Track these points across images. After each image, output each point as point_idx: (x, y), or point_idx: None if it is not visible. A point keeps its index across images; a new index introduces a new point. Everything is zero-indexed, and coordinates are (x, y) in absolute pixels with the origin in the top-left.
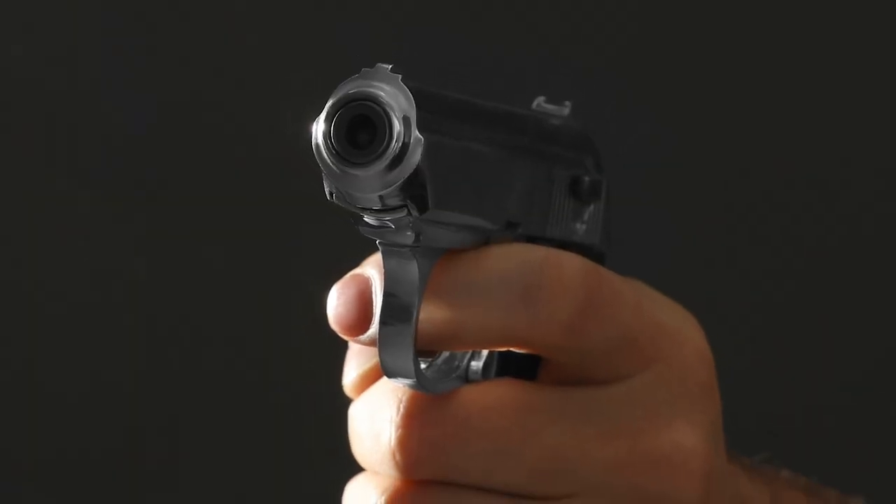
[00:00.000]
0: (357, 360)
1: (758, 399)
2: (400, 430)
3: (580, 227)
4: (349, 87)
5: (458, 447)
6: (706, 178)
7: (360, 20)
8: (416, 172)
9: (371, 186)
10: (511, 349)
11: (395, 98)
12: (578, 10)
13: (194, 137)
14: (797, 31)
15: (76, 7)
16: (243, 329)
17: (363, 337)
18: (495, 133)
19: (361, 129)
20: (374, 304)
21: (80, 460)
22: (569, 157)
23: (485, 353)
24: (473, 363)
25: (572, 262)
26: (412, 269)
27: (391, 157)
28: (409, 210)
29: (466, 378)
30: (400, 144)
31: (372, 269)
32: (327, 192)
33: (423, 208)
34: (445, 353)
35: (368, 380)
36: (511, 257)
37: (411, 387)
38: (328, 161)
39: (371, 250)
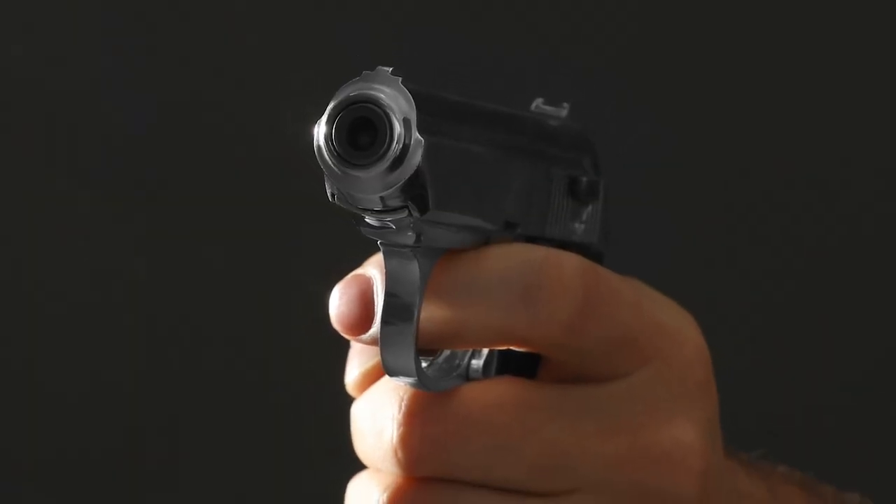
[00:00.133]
0: (359, 359)
1: (758, 399)
2: (402, 428)
3: (579, 227)
4: (350, 90)
5: (459, 444)
6: (706, 178)
7: (360, 20)
8: (417, 174)
9: (372, 188)
10: (511, 348)
11: (395, 100)
12: (578, 10)
13: (194, 137)
14: (797, 31)
15: (76, 7)
16: (243, 329)
17: (365, 336)
18: (494, 134)
19: (363, 131)
20: (375, 303)
21: (80, 460)
22: (567, 157)
23: (485, 351)
24: (474, 362)
25: (571, 262)
26: (413, 269)
27: (392, 159)
28: (409, 211)
29: (467, 376)
30: (401, 146)
31: (373, 270)
32: (329, 194)
33: (423, 209)
34: (446, 352)
35: (370, 378)
36: (511, 257)
37: (413, 385)
38: (330, 163)
39: (372, 251)
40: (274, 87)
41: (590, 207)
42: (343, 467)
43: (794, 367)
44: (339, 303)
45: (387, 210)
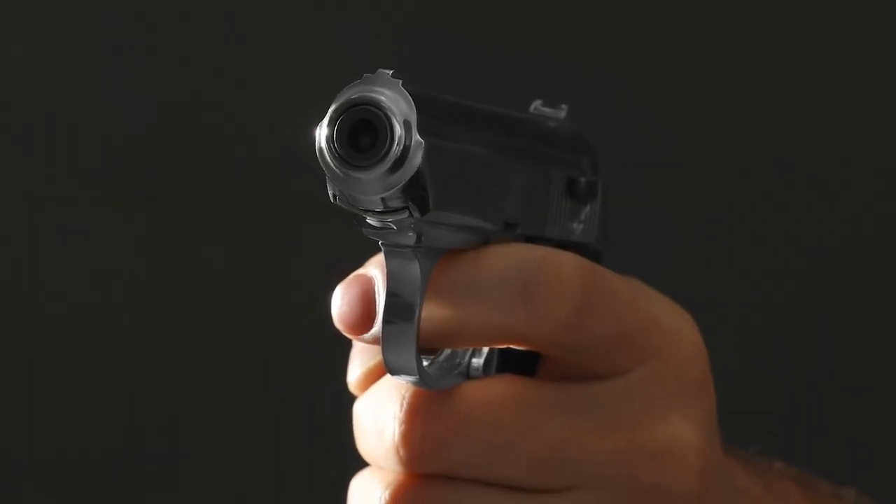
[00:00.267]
0: (361, 358)
1: (758, 399)
2: (403, 426)
3: (577, 227)
4: (351, 92)
5: (459, 442)
6: (706, 178)
7: (360, 20)
8: (418, 175)
9: (373, 189)
10: (511, 346)
11: (396, 103)
12: (578, 10)
13: (194, 137)
14: (797, 31)
15: (76, 7)
16: (243, 329)
17: (367, 335)
18: (494, 136)
19: (364, 133)
20: (377, 303)
21: (80, 460)
22: (565, 158)
23: (485, 350)
24: (474, 360)
25: (570, 261)
26: (414, 269)
27: (393, 161)
28: (410, 211)
29: (468, 375)
30: (401, 148)
31: (375, 270)
32: (331, 195)
33: (424, 210)
34: (447, 351)
35: (372, 377)
36: (510, 257)
37: (414, 383)
38: (331, 164)
39: (373, 251)
40: (274, 87)
41: (588, 207)
42: (343, 467)
43: (793, 367)
44: (341, 303)
45: (388, 211)
